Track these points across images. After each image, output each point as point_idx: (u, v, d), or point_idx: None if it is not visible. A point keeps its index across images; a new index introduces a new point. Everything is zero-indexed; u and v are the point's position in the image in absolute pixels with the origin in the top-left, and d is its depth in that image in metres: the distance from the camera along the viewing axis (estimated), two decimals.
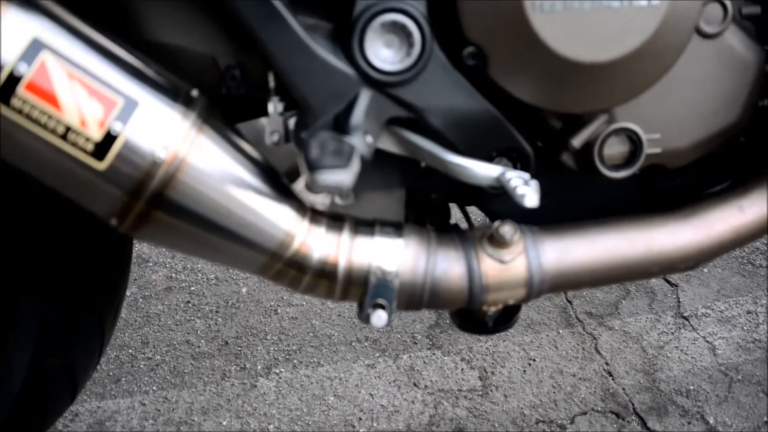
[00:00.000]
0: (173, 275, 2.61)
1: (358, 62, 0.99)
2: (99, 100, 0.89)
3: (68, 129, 0.88)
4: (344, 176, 0.88)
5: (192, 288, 2.56)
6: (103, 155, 0.90)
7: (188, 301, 2.51)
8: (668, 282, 2.62)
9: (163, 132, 0.91)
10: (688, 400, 2.19)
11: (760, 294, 2.59)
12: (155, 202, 0.93)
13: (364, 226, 1.06)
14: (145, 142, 0.91)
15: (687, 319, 2.48)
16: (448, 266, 1.06)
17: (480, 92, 1.04)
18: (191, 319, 2.44)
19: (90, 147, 0.89)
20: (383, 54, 1.00)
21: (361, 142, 0.94)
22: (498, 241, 1.06)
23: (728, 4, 1.09)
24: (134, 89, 0.91)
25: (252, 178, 0.98)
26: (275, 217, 1.00)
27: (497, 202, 1.16)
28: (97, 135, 0.89)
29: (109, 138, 0.89)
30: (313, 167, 0.88)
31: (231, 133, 1.00)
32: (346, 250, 1.03)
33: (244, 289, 2.55)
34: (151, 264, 2.65)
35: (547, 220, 1.14)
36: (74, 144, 0.89)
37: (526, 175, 1.01)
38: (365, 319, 1.05)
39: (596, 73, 1.02)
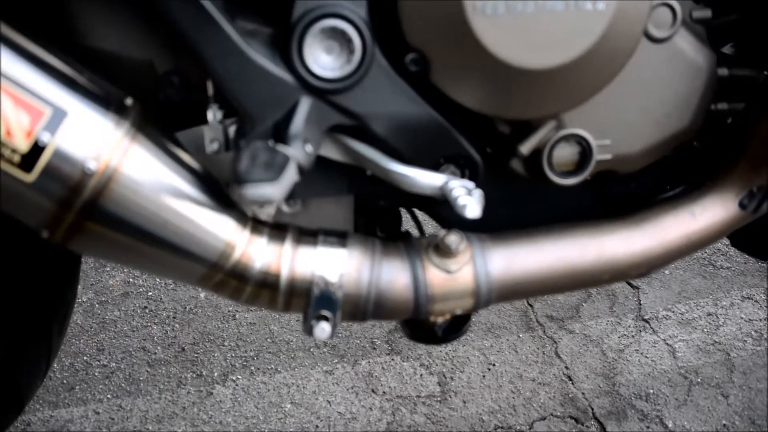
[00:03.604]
0: (130, 280, 2.57)
1: (297, 69, 0.96)
2: (25, 110, 0.86)
3: None
4: (273, 190, 0.85)
5: (149, 293, 2.53)
6: (31, 167, 0.87)
7: (145, 307, 2.48)
8: (630, 284, 2.62)
9: (94, 142, 0.88)
10: (647, 403, 2.18)
11: (720, 296, 2.60)
12: (87, 213, 0.90)
13: (307, 235, 1.04)
14: (75, 152, 0.88)
15: (648, 322, 2.48)
16: (393, 276, 1.04)
17: (424, 99, 1.02)
18: (148, 325, 2.41)
19: (17, 158, 0.86)
20: (323, 60, 0.97)
21: (299, 151, 0.91)
22: (444, 251, 1.04)
23: (677, 7, 1.07)
24: (63, 98, 0.88)
25: (189, 187, 0.96)
26: (215, 227, 0.97)
27: (447, 208, 1.13)
28: (23, 146, 0.86)
29: (37, 149, 0.86)
30: (240, 180, 0.86)
31: (167, 141, 0.97)
32: (288, 260, 1.01)
33: (202, 294, 2.52)
34: (108, 269, 2.61)
35: (499, 227, 1.12)
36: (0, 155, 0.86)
37: (471, 184, 0.99)
38: (308, 330, 1.03)
39: (541, 78, 0.99)
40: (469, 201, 0.94)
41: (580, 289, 1.13)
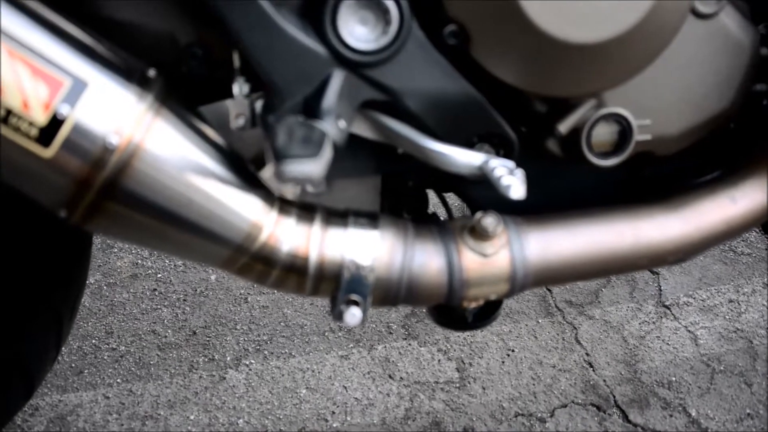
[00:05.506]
0: (139, 261, 2.53)
1: (330, 40, 0.92)
2: (44, 81, 0.81)
3: (9, 112, 0.81)
4: (314, 166, 0.81)
5: (159, 275, 2.49)
6: (49, 141, 0.82)
7: (155, 289, 2.44)
8: (650, 270, 2.58)
9: (116, 115, 0.84)
10: (669, 391, 2.15)
11: (742, 282, 2.56)
12: (108, 193, 0.86)
13: (337, 216, 1.00)
14: (96, 126, 0.83)
15: (668, 308, 2.44)
16: (427, 260, 1.00)
17: (461, 74, 0.98)
18: (158, 307, 2.37)
19: (34, 132, 0.82)
20: (357, 32, 0.93)
21: (332, 127, 0.87)
22: (480, 233, 1.00)
23: None
24: (83, 68, 0.84)
25: (215, 165, 0.91)
26: (240, 208, 0.93)
27: (477, 189, 1.10)
28: (41, 119, 0.81)
29: (55, 122, 0.82)
30: (280, 156, 0.81)
31: (192, 116, 0.93)
32: (318, 242, 0.97)
33: (213, 276, 2.49)
34: (116, 250, 2.57)
35: (529, 209, 1.08)
36: (16, 129, 0.81)
37: (511, 164, 0.94)
38: (338, 316, 0.99)
39: (586, 54, 0.95)
40: (514, 181, 0.89)
41: (617, 275, 1.10)
